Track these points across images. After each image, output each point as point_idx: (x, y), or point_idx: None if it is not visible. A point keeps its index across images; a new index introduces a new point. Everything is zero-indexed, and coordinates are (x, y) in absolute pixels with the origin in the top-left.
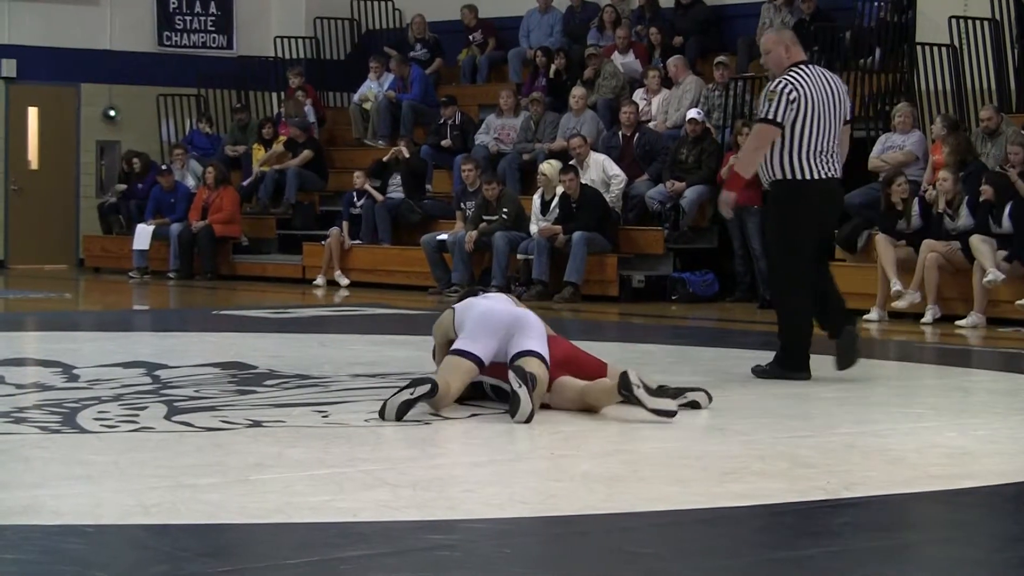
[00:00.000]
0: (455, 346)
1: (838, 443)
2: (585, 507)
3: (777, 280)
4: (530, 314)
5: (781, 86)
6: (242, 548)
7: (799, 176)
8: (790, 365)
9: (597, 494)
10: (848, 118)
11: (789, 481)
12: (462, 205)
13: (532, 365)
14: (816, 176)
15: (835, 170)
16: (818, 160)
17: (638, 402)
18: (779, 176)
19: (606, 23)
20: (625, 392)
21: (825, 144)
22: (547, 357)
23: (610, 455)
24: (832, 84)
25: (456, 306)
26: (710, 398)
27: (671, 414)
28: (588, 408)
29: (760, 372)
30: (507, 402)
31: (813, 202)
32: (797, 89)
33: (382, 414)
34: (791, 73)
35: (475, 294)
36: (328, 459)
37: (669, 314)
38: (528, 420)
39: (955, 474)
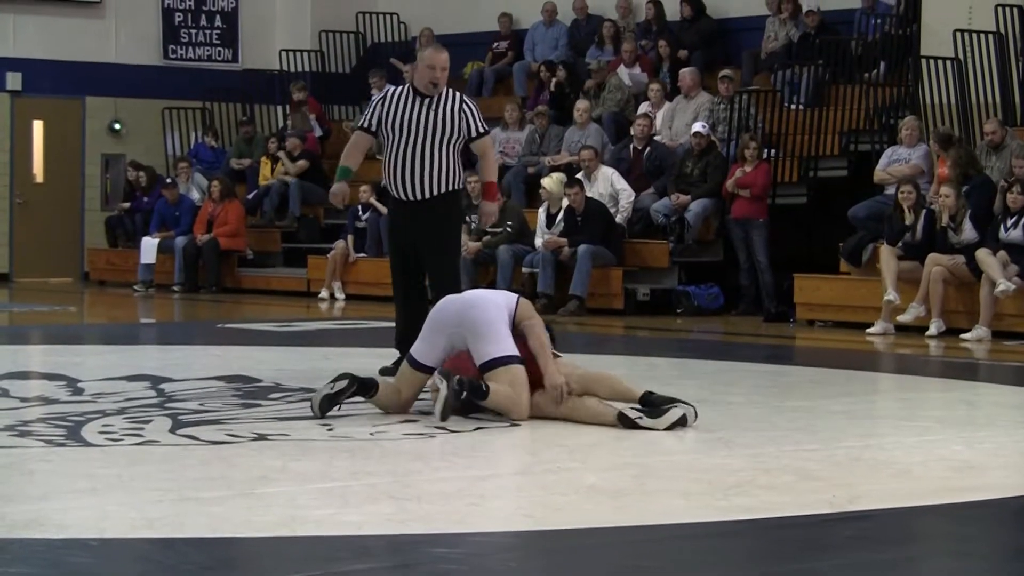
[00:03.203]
0: (411, 351)
1: (844, 456)
2: (591, 520)
3: (450, 284)
4: (479, 305)
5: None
6: (246, 561)
7: (460, 185)
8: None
9: (603, 507)
10: None
11: (795, 495)
12: (467, 219)
13: (499, 378)
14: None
15: None
16: None
17: (650, 428)
18: (458, 187)
19: (606, 38)
20: (630, 426)
21: None
22: (512, 354)
23: (616, 468)
24: None
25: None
26: (695, 414)
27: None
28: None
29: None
30: (482, 396)
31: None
32: None
33: (312, 408)
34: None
35: None
36: (333, 472)
37: (674, 327)
38: (442, 419)
39: (961, 487)
